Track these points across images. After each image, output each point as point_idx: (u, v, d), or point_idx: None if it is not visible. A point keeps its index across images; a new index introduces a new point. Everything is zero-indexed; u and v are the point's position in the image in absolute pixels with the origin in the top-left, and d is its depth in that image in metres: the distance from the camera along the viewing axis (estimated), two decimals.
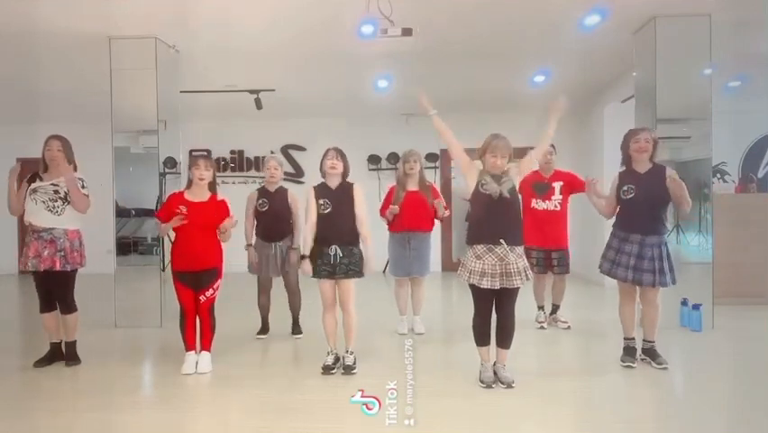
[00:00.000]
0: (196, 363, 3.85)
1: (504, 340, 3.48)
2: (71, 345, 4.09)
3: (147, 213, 6.49)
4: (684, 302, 4.88)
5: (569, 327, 4.96)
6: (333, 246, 3.71)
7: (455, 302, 6.93)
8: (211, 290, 3.83)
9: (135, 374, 3.99)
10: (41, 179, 3.96)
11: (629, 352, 3.87)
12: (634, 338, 3.89)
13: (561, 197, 4.86)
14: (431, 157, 8.75)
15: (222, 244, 3.91)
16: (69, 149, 4.03)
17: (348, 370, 3.78)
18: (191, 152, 8.97)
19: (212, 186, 3.91)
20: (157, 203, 5.64)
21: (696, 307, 4.77)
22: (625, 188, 3.75)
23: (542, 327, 4.98)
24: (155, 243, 6.02)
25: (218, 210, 3.85)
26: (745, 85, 7.22)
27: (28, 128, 8.83)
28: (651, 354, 3.84)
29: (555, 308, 5.09)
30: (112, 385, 3.70)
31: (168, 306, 5.39)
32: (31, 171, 4.10)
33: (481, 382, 3.48)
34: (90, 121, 7.17)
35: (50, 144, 3.97)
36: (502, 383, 3.45)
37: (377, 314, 5.19)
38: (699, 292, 4.88)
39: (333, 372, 3.78)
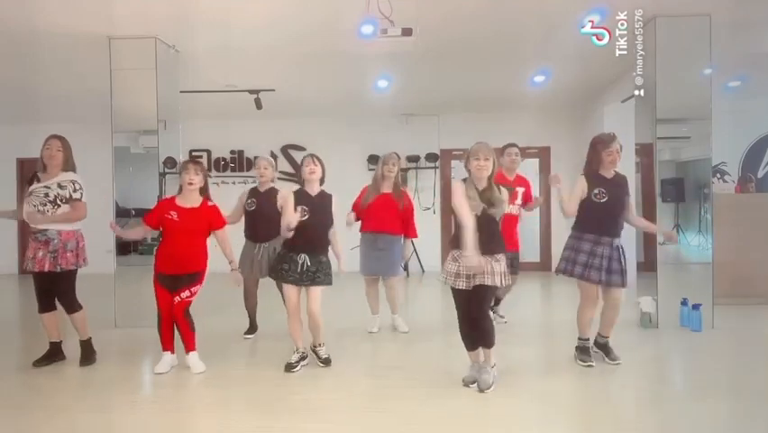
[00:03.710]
0: (191, 364, 3.85)
1: (480, 339, 3.42)
2: (85, 344, 4.10)
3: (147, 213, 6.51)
4: (684, 302, 4.88)
5: (506, 322, 4.98)
6: (303, 255, 3.76)
7: (452, 302, 6.93)
8: (187, 292, 3.78)
9: (135, 374, 3.99)
10: (39, 180, 3.95)
11: (586, 351, 3.90)
12: (589, 339, 3.93)
13: (520, 202, 4.87)
14: (431, 157, 8.75)
15: (208, 248, 3.90)
16: (69, 149, 4.02)
17: (327, 363, 3.87)
18: (191, 152, 8.98)
19: (203, 191, 3.89)
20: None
21: (696, 307, 4.76)
22: (596, 191, 3.77)
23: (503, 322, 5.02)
24: (155, 243, 6.02)
25: (208, 216, 3.85)
26: (745, 85, 7.22)
27: (28, 128, 8.81)
28: (605, 349, 3.92)
29: (497, 301, 5.07)
30: (112, 385, 3.70)
31: None
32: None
33: (462, 380, 3.50)
34: (90, 121, 7.17)
35: (49, 144, 3.96)
36: (478, 386, 3.38)
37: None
38: (699, 292, 4.88)
39: (296, 370, 3.82)
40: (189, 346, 3.88)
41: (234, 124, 8.85)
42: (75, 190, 3.95)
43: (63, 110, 7.73)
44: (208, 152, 9.07)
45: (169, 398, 3.46)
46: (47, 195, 3.89)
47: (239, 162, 9.18)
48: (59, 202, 3.90)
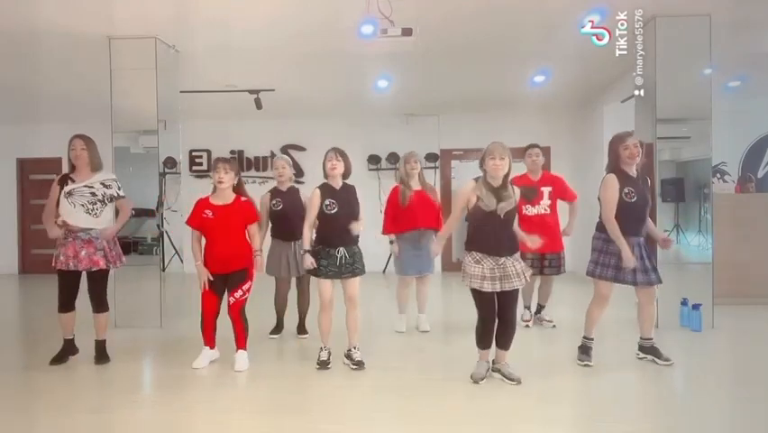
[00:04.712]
0: (237, 361, 3.91)
1: (506, 342, 3.52)
2: (101, 344, 4.13)
3: (147, 213, 6.49)
4: (684, 302, 4.88)
5: (554, 326, 4.98)
6: (341, 248, 3.78)
7: (455, 302, 6.94)
8: (240, 292, 3.88)
9: (135, 374, 3.99)
10: (73, 181, 3.99)
11: (587, 351, 3.90)
12: (593, 338, 3.92)
13: (549, 201, 4.86)
14: (431, 157, 8.74)
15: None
16: (93, 147, 4.09)
17: (360, 365, 3.84)
18: (191, 151, 8.98)
19: (237, 188, 3.95)
20: (157, 203, 5.64)
21: (696, 307, 4.76)
22: (626, 190, 3.70)
23: (527, 326, 4.98)
24: (155, 243, 6.03)
25: (242, 211, 3.90)
26: (745, 85, 7.22)
27: (28, 128, 8.84)
28: (654, 351, 3.87)
29: (540, 308, 5.11)
30: (111, 385, 3.71)
31: (167, 306, 5.39)
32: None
33: (471, 377, 3.52)
34: (90, 121, 7.14)
35: (73, 144, 4.03)
36: (511, 380, 3.48)
37: (376, 313, 5.19)
38: (699, 292, 4.87)
39: (330, 367, 3.85)
40: (240, 344, 3.95)
41: (234, 124, 8.85)
42: (119, 189, 4.11)
43: (63, 110, 7.73)
44: (208, 151, 9.07)
45: (171, 398, 3.46)
46: (94, 194, 3.98)
47: (239, 162, 9.18)
48: (106, 201, 4.03)
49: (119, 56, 5.31)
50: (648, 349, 3.90)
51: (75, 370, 3.98)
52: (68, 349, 4.12)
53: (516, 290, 3.43)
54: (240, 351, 3.94)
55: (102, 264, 3.97)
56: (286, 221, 4.60)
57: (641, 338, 3.95)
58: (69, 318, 4.06)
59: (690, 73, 5.01)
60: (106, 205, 4.04)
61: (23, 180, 9.24)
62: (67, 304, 4.01)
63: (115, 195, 4.08)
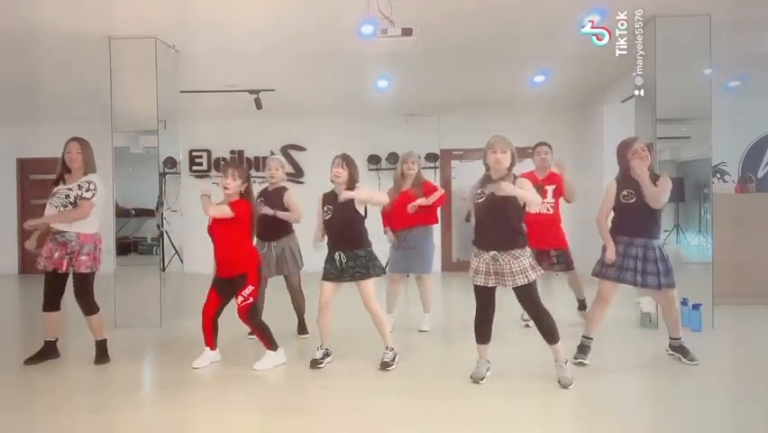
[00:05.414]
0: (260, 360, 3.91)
1: (545, 336, 3.46)
2: (101, 344, 4.10)
3: (147, 213, 6.50)
4: (684, 302, 4.86)
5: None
6: (338, 253, 3.82)
7: (456, 302, 6.94)
8: (241, 297, 3.85)
9: (135, 374, 3.99)
10: (64, 182, 3.98)
11: (583, 349, 3.90)
12: (592, 338, 3.92)
13: (552, 200, 4.84)
14: (430, 157, 8.75)
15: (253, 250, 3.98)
16: (89, 151, 4.05)
17: (383, 366, 3.83)
18: (191, 151, 8.98)
19: (244, 195, 3.91)
20: (157, 203, 5.64)
21: (696, 307, 4.76)
22: (624, 192, 3.79)
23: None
24: (155, 243, 6.04)
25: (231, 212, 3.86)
26: (745, 85, 7.23)
27: (28, 128, 8.84)
28: (681, 350, 3.89)
29: (580, 303, 5.01)
30: (111, 385, 3.71)
31: (167, 306, 5.39)
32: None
33: (471, 377, 3.53)
34: (90, 121, 7.15)
35: (69, 147, 3.99)
36: (559, 384, 3.42)
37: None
38: (699, 292, 4.86)
39: (321, 366, 3.85)
40: (265, 346, 3.95)
41: (234, 124, 8.83)
42: (87, 190, 3.95)
43: (63, 110, 7.73)
44: (208, 152, 9.04)
45: (170, 398, 3.46)
46: (68, 196, 3.93)
47: (239, 162, 9.17)
48: (78, 203, 3.93)
49: (119, 56, 5.31)
50: (676, 348, 3.94)
51: (75, 370, 3.98)
52: (48, 351, 4.08)
53: (526, 286, 3.36)
54: (267, 352, 3.95)
55: (63, 268, 3.87)
56: (262, 221, 4.59)
57: (669, 337, 3.98)
58: (52, 319, 4.02)
59: (690, 73, 5.01)
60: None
61: (23, 180, 9.24)
62: (48, 303, 3.98)
63: (80, 195, 3.92)
